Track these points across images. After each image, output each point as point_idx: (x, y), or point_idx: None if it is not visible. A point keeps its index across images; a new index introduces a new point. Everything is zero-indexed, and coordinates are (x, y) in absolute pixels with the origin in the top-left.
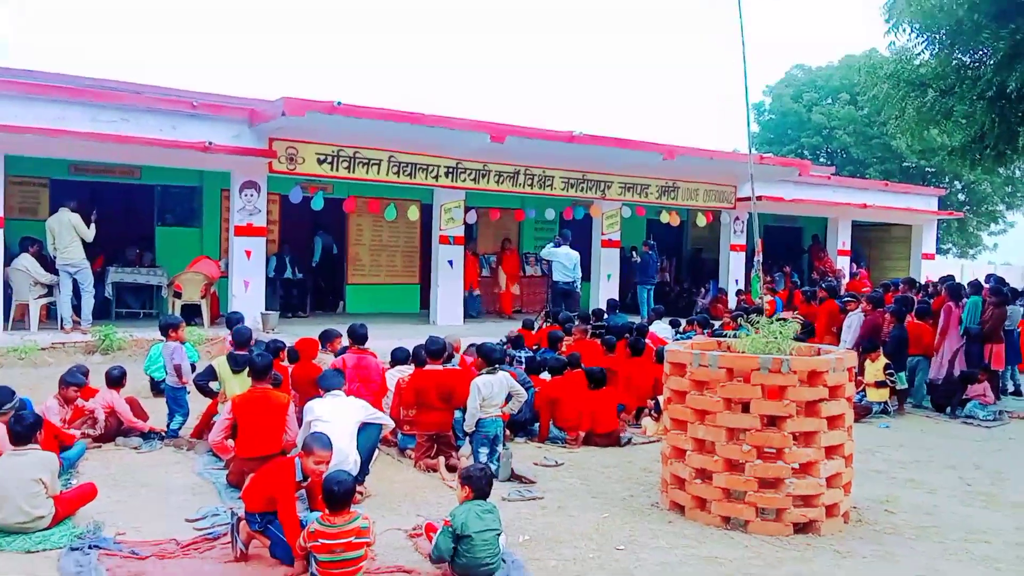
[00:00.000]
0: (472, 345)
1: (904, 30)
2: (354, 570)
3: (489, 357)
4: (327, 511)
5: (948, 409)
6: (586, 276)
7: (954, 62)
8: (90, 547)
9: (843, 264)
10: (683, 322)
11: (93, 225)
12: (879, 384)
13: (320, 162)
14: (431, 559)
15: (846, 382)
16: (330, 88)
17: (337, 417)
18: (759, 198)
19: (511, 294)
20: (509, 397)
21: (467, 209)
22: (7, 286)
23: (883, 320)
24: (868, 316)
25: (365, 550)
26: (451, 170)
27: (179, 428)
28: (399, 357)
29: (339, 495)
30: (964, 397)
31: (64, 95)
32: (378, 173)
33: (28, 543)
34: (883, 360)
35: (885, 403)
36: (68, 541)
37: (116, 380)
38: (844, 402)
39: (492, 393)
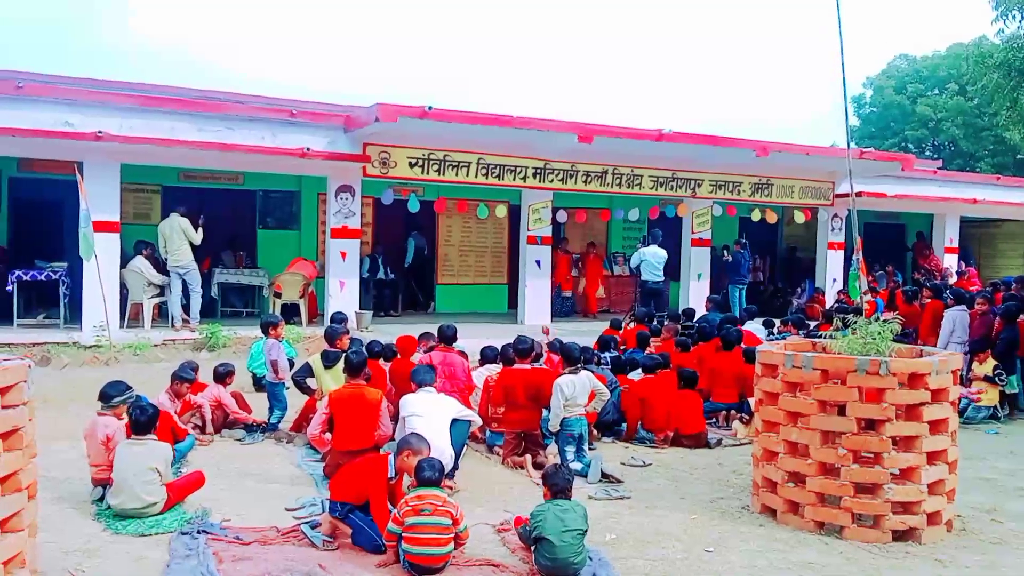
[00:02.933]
0: (556, 340)
1: (1014, 16)
2: (444, 540)
3: (570, 357)
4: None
5: None
6: (675, 276)
7: None
8: (198, 532)
9: (950, 262)
10: (777, 322)
11: (200, 229)
12: (988, 381)
13: (411, 165)
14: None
15: (950, 385)
16: (421, 92)
17: (431, 412)
18: (859, 194)
19: (595, 295)
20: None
21: (555, 209)
22: (123, 287)
23: (992, 321)
24: (982, 316)
25: (454, 528)
26: (539, 171)
27: (278, 422)
28: (488, 356)
29: (430, 473)
30: None
31: (175, 107)
32: (467, 175)
33: (142, 527)
34: (991, 362)
35: (995, 407)
36: (178, 526)
37: (223, 376)
38: (948, 406)
39: (574, 393)
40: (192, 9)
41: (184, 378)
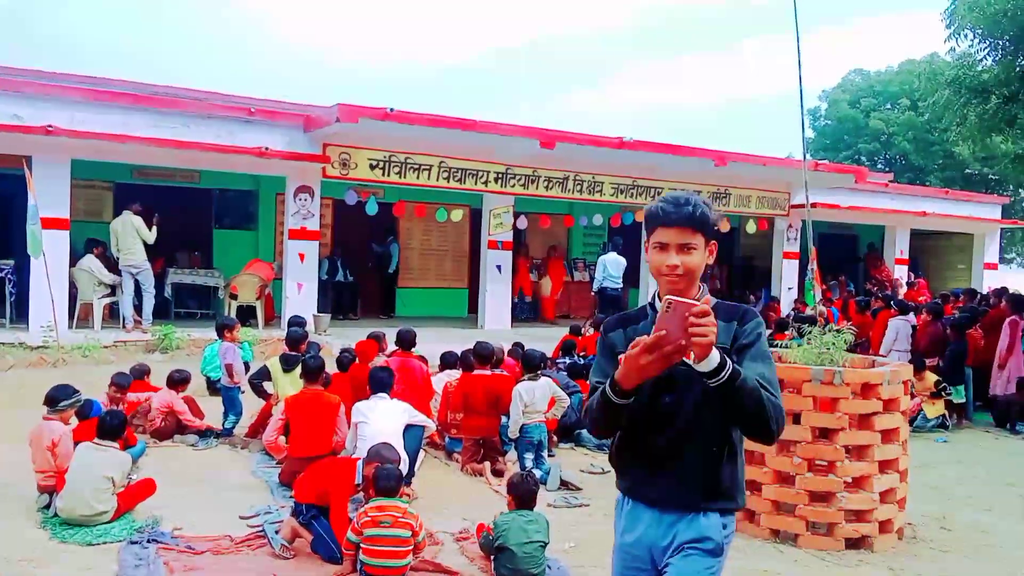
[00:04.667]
0: (516, 344)
1: (966, 36)
2: (402, 552)
3: (529, 363)
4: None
5: (1008, 425)
6: (635, 282)
7: (1018, 68)
8: (148, 541)
9: (900, 273)
10: None
11: (154, 227)
12: (933, 397)
13: (372, 167)
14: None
15: (901, 395)
16: (380, 94)
17: (380, 418)
18: (814, 205)
19: (555, 300)
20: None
21: (516, 214)
22: (72, 286)
23: (942, 332)
24: (927, 328)
25: (412, 539)
26: (500, 175)
27: (233, 427)
28: (448, 361)
29: (386, 483)
30: None
31: (128, 101)
32: (428, 178)
33: (89, 536)
34: (932, 377)
35: (943, 416)
36: (128, 535)
37: (177, 383)
38: (899, 415)
39: (534, 399)
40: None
41: (119, 384)
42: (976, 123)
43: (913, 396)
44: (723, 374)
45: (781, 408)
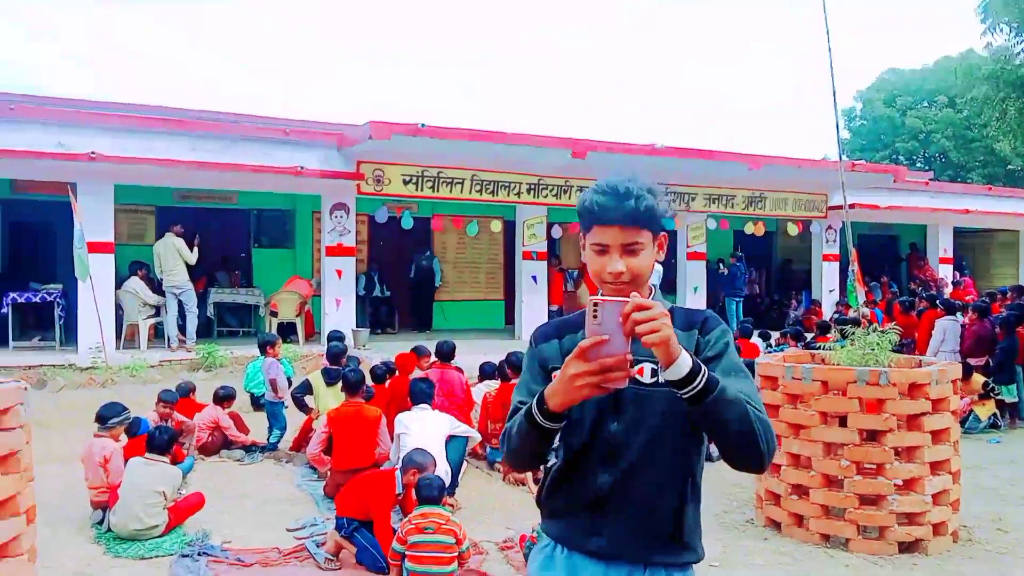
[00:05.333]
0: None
1: (1002, 30)
2: (447, 559)
3: None
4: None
5: None
6: (671, 290)
7: None
8: (199, 554)
9: (945, 272)
10: (775, 334)
11: (196, 249)
12: (982, 398)
13: (405, 183)
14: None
15: (950, 395)
16: (414, 110)
17: (424, 429)
18: (851, 206)
19: None
20: None
21: (550, 225)
22: (118, 307)
23: (990, 330)
24: (973, 326)
25: (456, 547)
26: (533, 187)
27: (278, 441)
28: (486, 372)
29: (429, 492)
30: None
31: (168, 127)
32: (461, 192)
33: (142, 550)
34: (979, 379)
35: (994, 415)
36: (179, 548)
37: (223, 399)
38: (949, 416)
39: None
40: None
41: (167, 400)
42: (1016, 117)
43: (962, 397)
44: (698, 381)
45: (770, 425)
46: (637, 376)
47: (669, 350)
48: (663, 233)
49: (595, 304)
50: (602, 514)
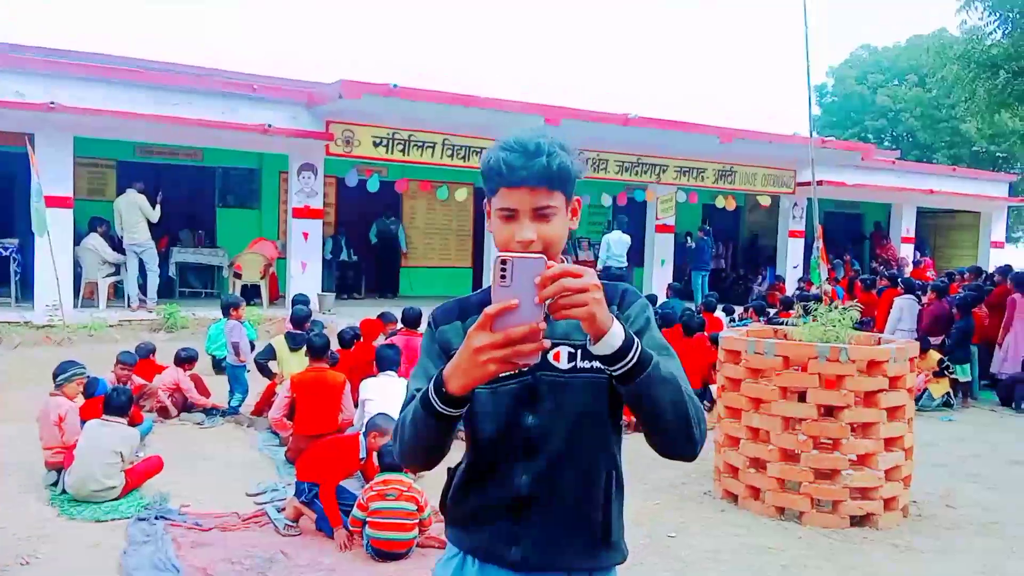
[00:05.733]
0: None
1: (976, 9)
2: (408, 525)
3: None
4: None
5: (1013, 403)
6: (639, 262)
7: None
8: (156, 518)
9: (906, 252)
10: (738, 309)
11: (158, 206)
12: (937, 376)
13: (376, 145)
14: None
15: (907, 372)
16: (385, 71)
17: (389, 396)
18: (819, 183)
19: None
20: None
21: None
22: (77, 265)
23: (947, 310)
24: (931, 306)
25: (418, 514)
26: None
27: (239, 405)
28: None
29: (391, 458)
30: None
31: (131, 78)
32: (432, 156)
33: (98, 512)
34: (934, 356)
35: (947, 394)
36: (136, 511)
37: (184, 360)
38: (904, 393)
39: None
40: None
41: (125, 362)
42: (985, 98)
43: (918, 374)
44: (631, 356)
45: (702, 409)
46: (553, 362)
47: (597, 322)
48: (577, 198)
49: (503, 262)
50: (521, 519)
